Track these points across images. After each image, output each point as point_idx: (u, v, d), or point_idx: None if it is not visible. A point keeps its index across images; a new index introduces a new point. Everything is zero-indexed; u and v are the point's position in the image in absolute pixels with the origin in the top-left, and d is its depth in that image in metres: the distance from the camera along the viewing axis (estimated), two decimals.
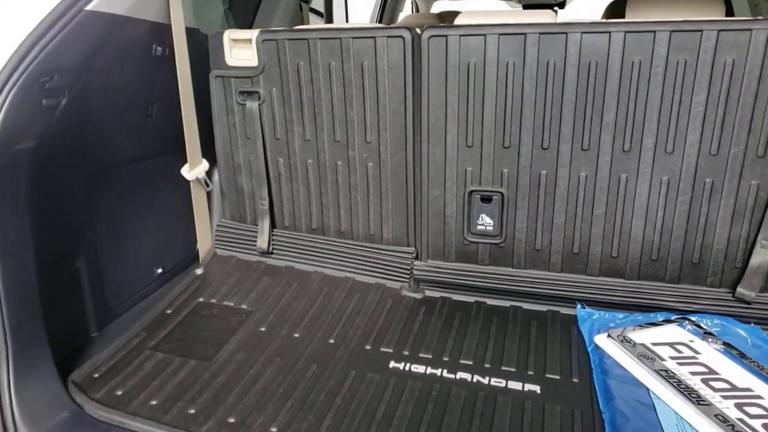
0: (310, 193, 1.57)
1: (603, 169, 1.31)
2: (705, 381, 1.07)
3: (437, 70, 1.34)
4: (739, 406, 1.00)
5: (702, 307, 1.30)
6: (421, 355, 1.21)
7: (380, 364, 1.18)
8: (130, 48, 1.27)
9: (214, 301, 1.44)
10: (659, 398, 1.03)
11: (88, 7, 1.05)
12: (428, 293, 1.48)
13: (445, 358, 1.19)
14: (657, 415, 0.99)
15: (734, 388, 1.05)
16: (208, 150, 1.59)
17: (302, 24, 2.44)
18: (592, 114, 1.28)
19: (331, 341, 1.26)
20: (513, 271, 1.42)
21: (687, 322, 1.27)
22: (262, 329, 1.31)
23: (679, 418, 0.98)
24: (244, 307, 1.41)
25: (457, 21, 1.37)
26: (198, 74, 1.48)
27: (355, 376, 1.14)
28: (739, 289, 1.27)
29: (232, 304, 1.42)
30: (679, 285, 1.33)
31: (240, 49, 1.51)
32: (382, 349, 1.23)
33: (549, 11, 1.37)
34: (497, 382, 1.12)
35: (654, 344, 1.18)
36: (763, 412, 0.98)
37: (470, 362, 1.18)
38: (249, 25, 2.17)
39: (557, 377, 1.13)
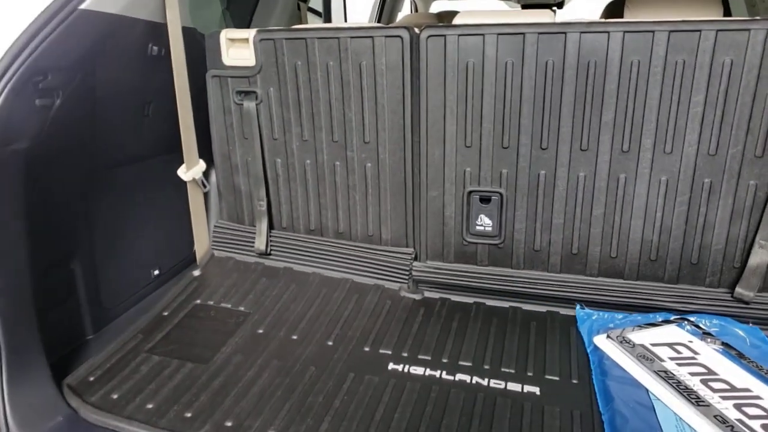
0: (308, 194, 1.56)
1: (602, 170, 1.30)
2: (704, 381, 1.06)
3: (436, 70, 1.34)
4: (738, 407, 0.99)
5: (700, 308, 1.30)
6: (420, 356, 1.20)
7: (379, 366, 1.17)
8: (126, 47, 1.25)
9: (211, 303, 1.43)
10: (659, 399, 1.03)
11: (83, 6, 1.03)
12: (427, 294, 1.47)
13: (444, 360, 1.19)
14: (656, 416, 0.99)
15: (733, 388, 1.05)
16: (205, 150, 1.58)
17: (300, 23, 2.43)
18: (590, 114, 1.27)
19: (330, 343, 1.26)
20: (512, 272, 1.42)
21: (686, 322, 1.27)
22: (260, 331, 1.31)
23: (678, 419, 0.98)
24: (242, 308, 1.40)
25: (456, 21, 1.37)
26: (195, 74, 1.47)
27: (354, 378, 1.13)
28: (738, 289, 1.27)
29: (229, 305, 1.41)
30: (678, 285, 1.33)
31: (237, 49, 1.50)
32: (381, 351, 1.23)
33: (548, 11, 1.37)
34: (496, 383, 1.11)
35: (653, 345, 1.18)
36: (761, 413, 0.98)
37: (469, 363, 1.18)
38: (247, 25, 2.16)
39: (556, 378, 1.13)
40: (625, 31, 1.21)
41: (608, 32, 1.21)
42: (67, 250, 1.23)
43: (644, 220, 1.31)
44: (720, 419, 0.96)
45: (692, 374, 1.09)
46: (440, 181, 1.42)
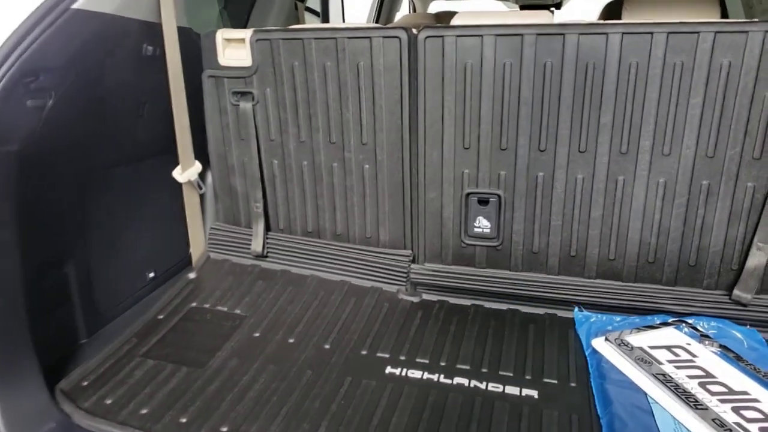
0: (305, 196, 1.55)
1: (600, 172, 1.30)
2: (702, 385, 1.06)
3: (434, 70, 1.33)
4: (735, 410, 0.99)
5: (698, 310, 1.30)
6: (417, 360, 1.20)
7: (376, 370, 1.16)
8: (120, 47, 1.24)
9: (207, 306, 1.41)
10: (657, 403, 1.03)
11: (75, 6, 1.02)
12: (425, 296, 1.46)
13: (442, 363, 1.18)
14: (655, 420, 0.99)
15: (731, 391, 1.05)
16: (201, 151, 1.57)
17: (298, 23, 2.42)
18: (589, 116, 1.27)
19: (327, 346, 1.25)
20: (510, 274, 1.42)
21: (684, 324, 1.27)
22: (256, 335, 1.29)
23: (676, 423, 0.98)
24: (238, 312, 1.39)
25: (454, 21, 1.36)
26: (190, 74, 1.45)
27: (351, 382, 1.13)
28: (736, 292, 1.27)
29: (225, 309, 1.40)
30: (676, 287, 1.33)
31: (233, 49, 1.48)
32: (378, 354, 1.22)
33: (546, 12, 1.37)
34: (494, 387, 1.11)
35: (651, 347, 1.18)
36: (759, 416, 0.98)
37: (467, 367, 1.17)
38: (243, 25, 2.15)
39: (555, 381, 1.12)
40: (623, 33, 1.20)
41: (607, 34, 1.21)
42: (61, 253, 1.22)
43: (642, 222, 1.31)
44: (718, 422, 0.96)
45: (690, 377, 1.08)
46: (438, 182, 1.41)
